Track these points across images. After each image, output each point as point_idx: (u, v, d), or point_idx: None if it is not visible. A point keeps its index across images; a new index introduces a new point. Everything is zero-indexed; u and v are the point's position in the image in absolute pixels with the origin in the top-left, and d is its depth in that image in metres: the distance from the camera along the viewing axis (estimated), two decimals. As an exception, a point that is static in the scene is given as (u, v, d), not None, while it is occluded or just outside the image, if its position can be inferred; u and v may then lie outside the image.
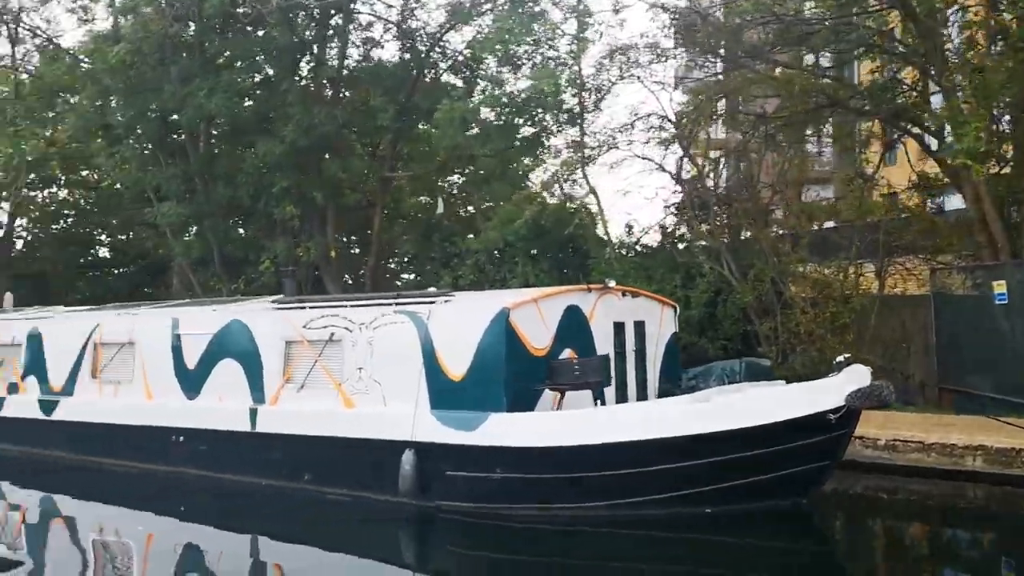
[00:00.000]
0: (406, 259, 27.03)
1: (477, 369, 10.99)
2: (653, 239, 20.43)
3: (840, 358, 10.58)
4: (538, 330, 11.31)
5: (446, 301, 11.78)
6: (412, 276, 26.30)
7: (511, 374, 10.87)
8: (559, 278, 19.17)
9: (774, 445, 9.87)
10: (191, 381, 13.73)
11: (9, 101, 26.63)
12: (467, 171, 23.57)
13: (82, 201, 33.91)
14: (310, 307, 12.93)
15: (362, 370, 11.95)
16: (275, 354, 12.86)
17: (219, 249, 23.62)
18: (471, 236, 22.12)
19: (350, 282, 25.56)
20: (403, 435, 11.16)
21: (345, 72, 23.55)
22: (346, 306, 12.49)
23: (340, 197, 22.61)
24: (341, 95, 23.17)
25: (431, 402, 11.23)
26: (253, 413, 12.76)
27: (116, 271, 34.60)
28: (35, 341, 16.15)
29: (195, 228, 23.48)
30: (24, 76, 28.97)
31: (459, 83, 23.68)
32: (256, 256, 23.94)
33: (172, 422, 13.74)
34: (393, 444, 11.19)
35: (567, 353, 11.63)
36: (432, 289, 15.05)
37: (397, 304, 12.04)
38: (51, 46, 28.14)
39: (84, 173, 31.83)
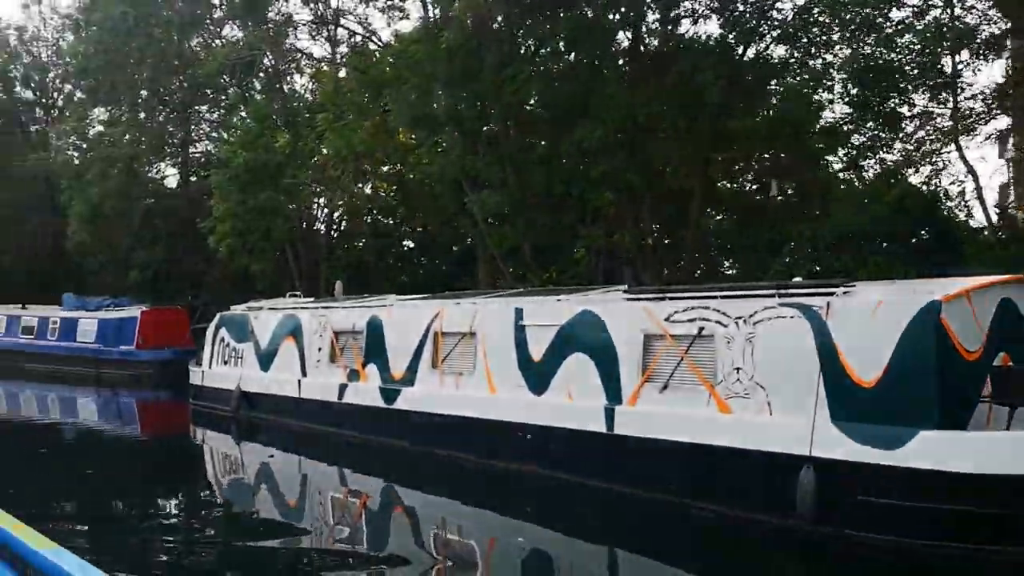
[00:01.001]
0: (727, 247, 25.10)
1: (896, 375, 9.09)
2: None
3: None
4: (969, 329, 9.22)
5: (846, 292, 9.95)
6: (731, 265, 24.41)
7: (943, 383, 8.88)
8: (920, 270, 16.60)
9: None
10: (537, 375, 12.88)
11: (332, 97, 27.80)
12: (800, 149, 21.32)
13: (388, 195, 35.14)
14: (672, 298, 11.56)
15: (740, 371, 10.41)
16: (632, 349, 11.64)
17: (531, 238, 23.07)
18: (802, 220, 19.93)
19: (666, 272, 24.10)
20: (798, 449, 9.50)
21: (665, 49, 22.14)
22: (717, 297, 11.00)
23: (658, 182, 21.24)
24: (662, 74, 21.74)
25: (832, 412, 9.48)
26: (609, 413, 11.63)
27: (423, 260, 35.62)
28: (375, 329, 16.09)
29: (508, 217, 23.07)
30: (341, 74, 30.39)
31: (795, 54, 21.43)
32: (568, 246, 23.16)
33: (517, 418, 12.96)
34: (785, 459, 9.57)
35: (1000, 358, 9.45)
36: (798, 278, 13.19)
37: (781, 295, 10.38)
38: (369, 42, 29.25)
39: (386, 168, 32.85)
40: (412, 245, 37.08)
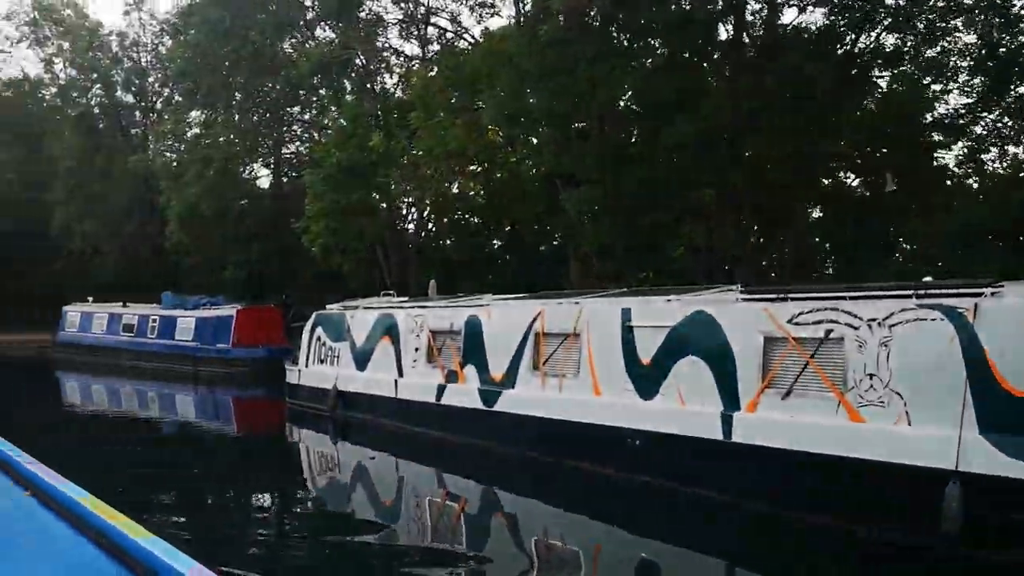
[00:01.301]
0: (826, 246, 24.08)
1: (1057, 384, 8.28)
2: None
3: None
4: None
5: (994, 293, 9.13)
6: (832, 263, 23.38)
7: (1114, 393, 8.03)
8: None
9: None
10: (646, 379, 12.30)
11: (424, 97, 27.65)
12: (912, 142, 20.22)
13: (477, 194, 34.90)
14: (795, 298, 10.86)
15: (874, 377, 9.67)
16: (751, 352, 10.99)
17: (626, 236, 22.46)
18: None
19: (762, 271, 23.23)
20: (942, 463, 8.74)
21: (765, 40, 21.30)
22: (846, 297, 10.27)
23: (761, 178, 20.39)
24: (766, 66, 20.91)
25: (980, 424, 8.69)
26: (727, 420, 11.00)
27: (509, 259, 35.30)
28: (474, 329, 15.72)
29: (603, 214, 22.51)
30: (431, 73, 30.27)
31: (907, 42, 20.32)
32: (666, 244, 22.48)
33: (625, 423, 12.39)
34: (928, 473, 8.82)
35: None
36: (928, 277, 12.32)
37: (919, 296, 9.61)
38: (460, 40, 29.05)
39: (473, 167, 32.56)
40: (500, 244, 36.83)
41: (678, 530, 10.88)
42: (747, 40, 21.85)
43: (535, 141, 23.60)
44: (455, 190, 34.57)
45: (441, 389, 16.14)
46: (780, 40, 21.06)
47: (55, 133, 47.46)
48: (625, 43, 22.73)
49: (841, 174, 24.54)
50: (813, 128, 20.23)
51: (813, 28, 21.10)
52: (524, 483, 13.70)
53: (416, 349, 17.11)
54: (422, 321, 17.10)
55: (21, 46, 51.55)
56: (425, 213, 34.91)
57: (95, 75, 47.55)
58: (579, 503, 12.36)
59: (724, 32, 22.54)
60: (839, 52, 20.83)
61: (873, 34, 20.90)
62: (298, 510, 13.51)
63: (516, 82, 21.67)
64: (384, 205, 31.22)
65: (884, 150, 21.71)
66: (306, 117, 40.21)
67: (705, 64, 21.23)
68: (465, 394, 15.50)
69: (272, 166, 41.82)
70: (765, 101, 19.74)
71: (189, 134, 39.40)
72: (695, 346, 11.72)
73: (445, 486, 14.46)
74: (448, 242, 35.97)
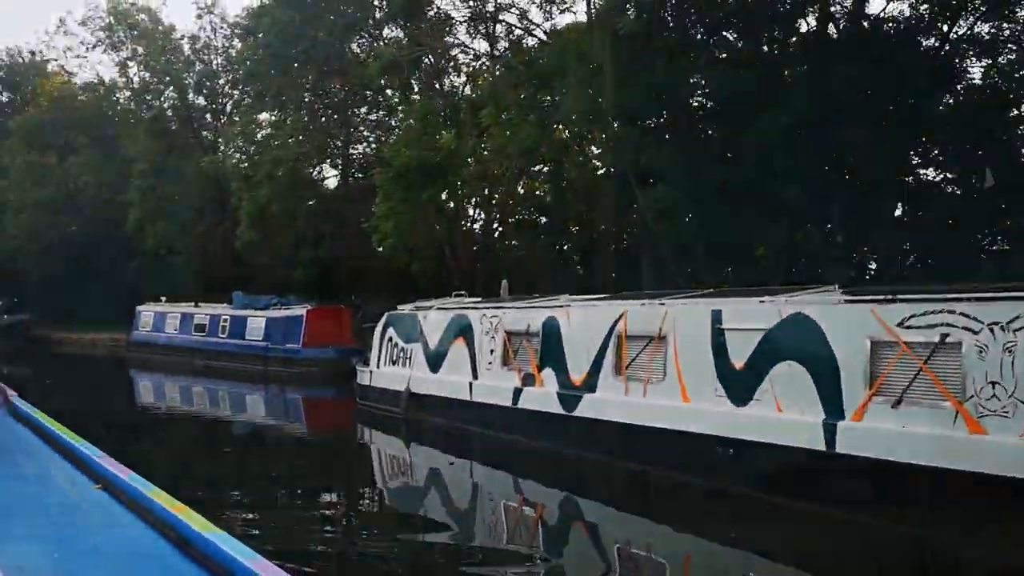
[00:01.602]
0: (906, 245, 22.97)
1: None
2: None
3: None
4: None
5: None
6: (919, 263, 22.30)
7: None
8: None
9: None
10: (739, 384, 11.68)
11: (494, 94, 27.31)
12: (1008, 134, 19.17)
13: (545, 193, 34.41)
14: (905, 299, 10.14)
15: (996, 385, 8.94)
16: (856, 358, 10.30)
17: (707, 235, 21.73)
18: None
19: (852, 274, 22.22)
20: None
21: (850, 31, 20.43)
22: (963, 299, 9.53)
23: (853, 175, 19.52)
24: (856, 56, 20.02)
25: (1124, 438, 7.93)
26: (830, 430, 10.33)
27: (576, 259, 34.71)
28: (552, 331, 15.24)
29: (682, 213, 21.80)
30: (497, 71, 29.95)
31: (1003, 32, 19.30)
32: (747, 243, 21.68)
33: (716, 431, 11.79)
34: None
35: None
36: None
37: (1047, 298, 8.86)
38: (529, 36, 28.63)
39: (538, 167, 32.03)
40: (568, 244, 36.26)
41: (774, 545, 10.22)
42: (832, 32, 20.97)
43: (604, 137, 22.97)
44: (520, 190, 34.15)
45: (517, 392, 15.69)
46: (867, 31, 20.16)
47: (130, 136, 48.34)
48: (700, 36, 22.07)
49: (931, 170, 23.48)
50: (903, 122, 19.30)
51: (901, 18, 20.16)
52: (605, 491, 13.21)
53: (491, 351, 16.70)
54: (497, 322, 16.69)
55: (97, 51, 52.78)
56: (492, 212, 34.56)
57: (168, 78, 48.32)
58: (664, 513, 11.84)
59: (805, 25, 21.74)
60: (929, 42, 19.88)
61: (964, 23, 19.90)
62: (370, 512, 13.29)
63: (591, 79, 21.13)
64: (451, 204, 30.96)
65: (968, 146, 20.67)
66: (373, 118, 40.23)
67: (784, 57, 20.36)
68: (543, 398, 15.03)
69: (340, 167, 41.92)
70: (852, 94, 18.87)
71: (259, 135, 39.68)
72: (794, 350, 11.07)
73: (522, 492, 14.04)
74: (515, 242, 35.52)
